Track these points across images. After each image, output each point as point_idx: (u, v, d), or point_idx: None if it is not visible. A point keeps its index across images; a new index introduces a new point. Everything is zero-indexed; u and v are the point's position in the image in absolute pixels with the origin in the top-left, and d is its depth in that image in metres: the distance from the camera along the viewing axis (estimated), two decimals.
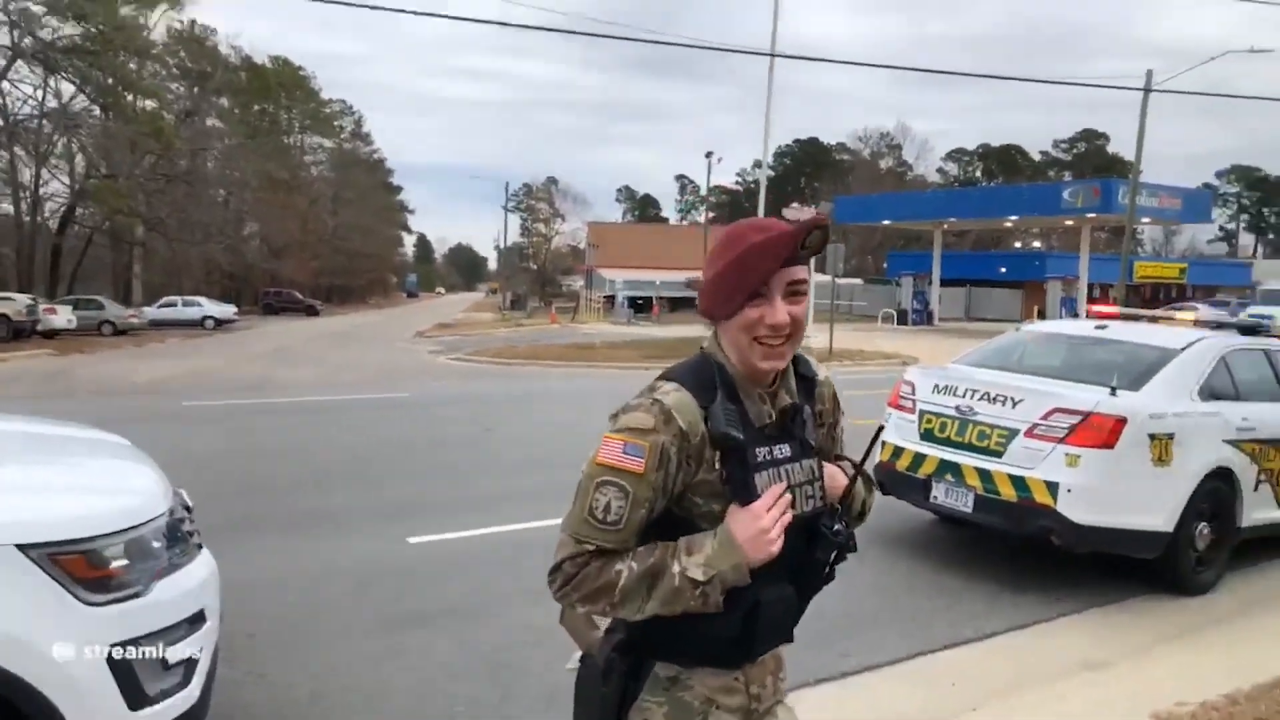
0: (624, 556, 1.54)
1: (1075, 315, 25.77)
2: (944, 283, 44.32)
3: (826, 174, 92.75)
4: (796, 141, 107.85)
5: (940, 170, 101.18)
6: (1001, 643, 5.02)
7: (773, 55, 23.32)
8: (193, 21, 47.42)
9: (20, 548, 2.61)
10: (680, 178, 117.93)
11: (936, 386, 6.29)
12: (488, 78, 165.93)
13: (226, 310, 41.30)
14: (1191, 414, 5.77)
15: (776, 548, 1.54)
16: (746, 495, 1.56)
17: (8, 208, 39.90)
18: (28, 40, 28.99)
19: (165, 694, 2.82)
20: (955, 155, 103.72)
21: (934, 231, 44.24)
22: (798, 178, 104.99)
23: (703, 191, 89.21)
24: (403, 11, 23.06)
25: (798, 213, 35.44)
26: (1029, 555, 6.18)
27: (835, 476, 1.72)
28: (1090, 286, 37.67)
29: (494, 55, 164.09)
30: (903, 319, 41.26)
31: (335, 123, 77.22)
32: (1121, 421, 5.45)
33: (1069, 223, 40.85)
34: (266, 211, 55.28)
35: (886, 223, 48.28)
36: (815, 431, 1.73)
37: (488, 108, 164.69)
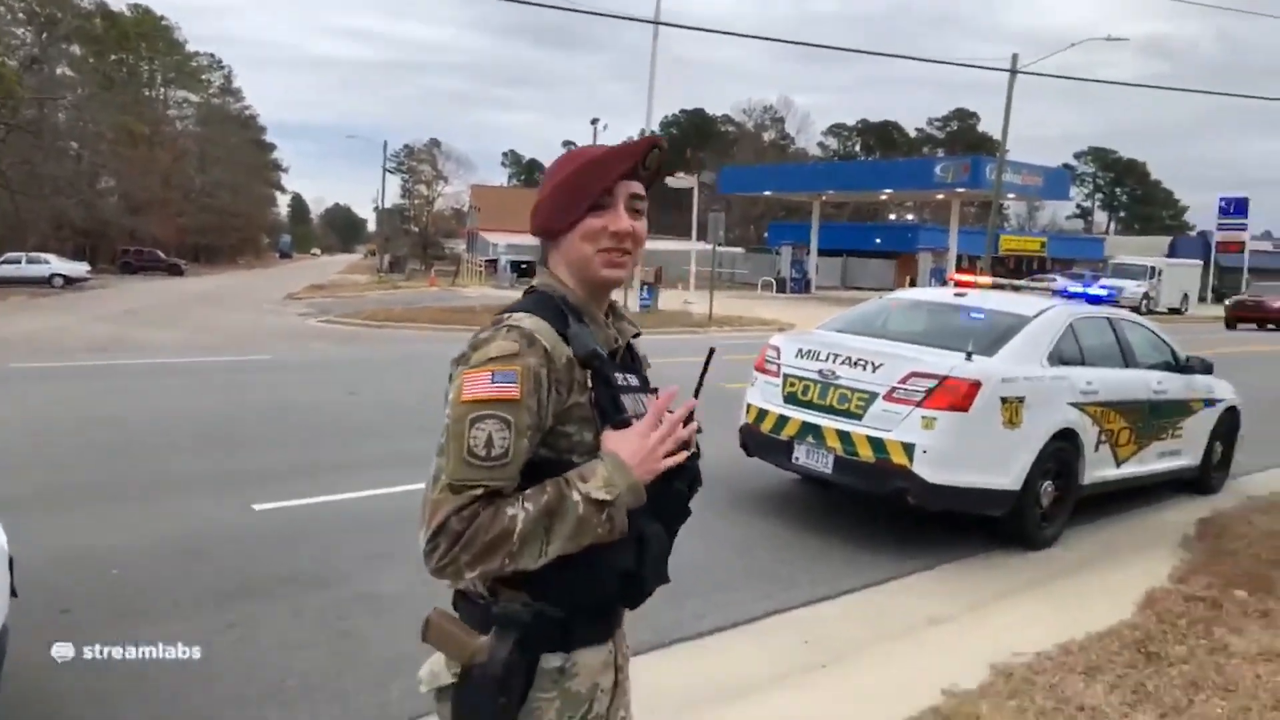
0: (514, 500, 1.39)
1: (944, 285, 26.74)
2: (822, 253, 45.37)
3: (712, 144, 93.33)
4: (683, 112, 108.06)
5: (821, 144, 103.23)
6: (855, 599, 5.09)
7: (656, 23, 23.14)
8: None
9: None
10: (567, 143, 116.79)
11: (800, 351, 6.32)
12: (367, 37, 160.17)
13: (78, 268, 38.69)
14: (1041, 378, 5.96)
15: (663, 465, 1.47)
16: (617, 414, 1.48)
17: None
18: None
19: None
20: (835, 130, 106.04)
21: (813, 203, 45.15)
22: (684, 147, 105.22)
23: None
24: None
25: (681, 181, 35.69)
26: (887, 515, 6.30)
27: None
28: (959, 258, 39.12)
29: (374, 14, 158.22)
30: (782, 287, 42.06)
31: (202, 77, 73.05)
32: (976, 385, 5.58)
33: (940, 197, 42.25)
34: (125, 166, 51.96)
35: (768, 193, 48.97)
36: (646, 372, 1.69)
37: (368, 67, 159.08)
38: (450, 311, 24.13)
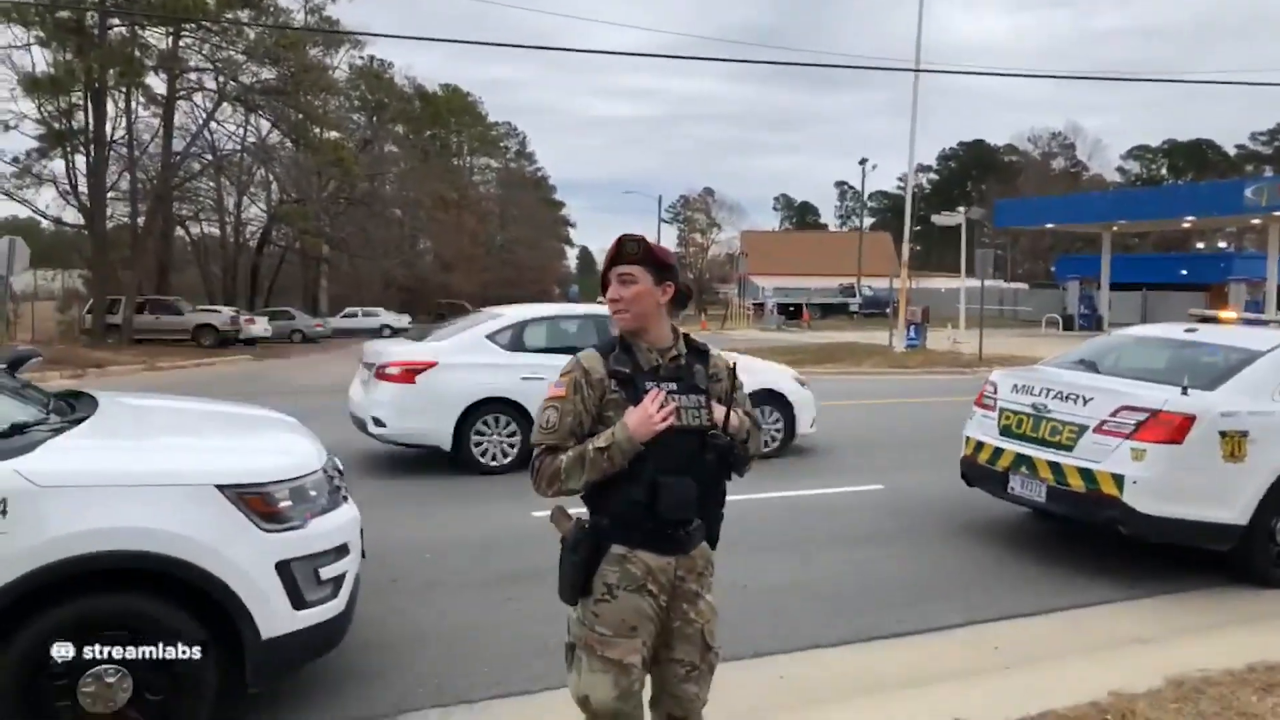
0: (563, 452, 2.50)
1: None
2: (1117, 287, 42.19)
3: (993, 176, 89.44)
4: (961, 144, 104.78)
5: (1121, 169, 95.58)
6: (1059, 617, 5.39)
7: (917, 70, 23.30)
8: (371, 57, 51.15)
9: (219, 487, 3.59)
10: (840, 184, 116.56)
11: (1016, 386, 6.66)
12: (641, 95, 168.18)
13: (402, 320, 44.54)
14: (1271, 413, 5.89)
15: (659, 426, 2.46)
16: (637, 403, 2.50)
17: (216, 231, 44.58)
18: (231, 85, 32.38)
19: (319, 601, 3.75)
20: (1137, 153, 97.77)
21: (1103, 234, 42.28)
22: (963, 180, 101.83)
23: (863, 197, 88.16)
24: (557, 49, 24.35)
25: (947, 219, 34.94)
26: (1112, 546, 6.40)
27: (718, 410, 2.59)
28: None
29: (647, 74, 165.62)
30: (1069, 325, 39.68)
31: (501, 144, 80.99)
32: (1189, 419, 5.69)
33: (1256, 221, 38.14)
34: (438, 229, 58.91)
35: (1050, 226, 46.37)
36: (706, 381, 2.63)
37: (643, 123, 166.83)
38: None
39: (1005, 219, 47.84)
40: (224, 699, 3.59)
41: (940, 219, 32.92)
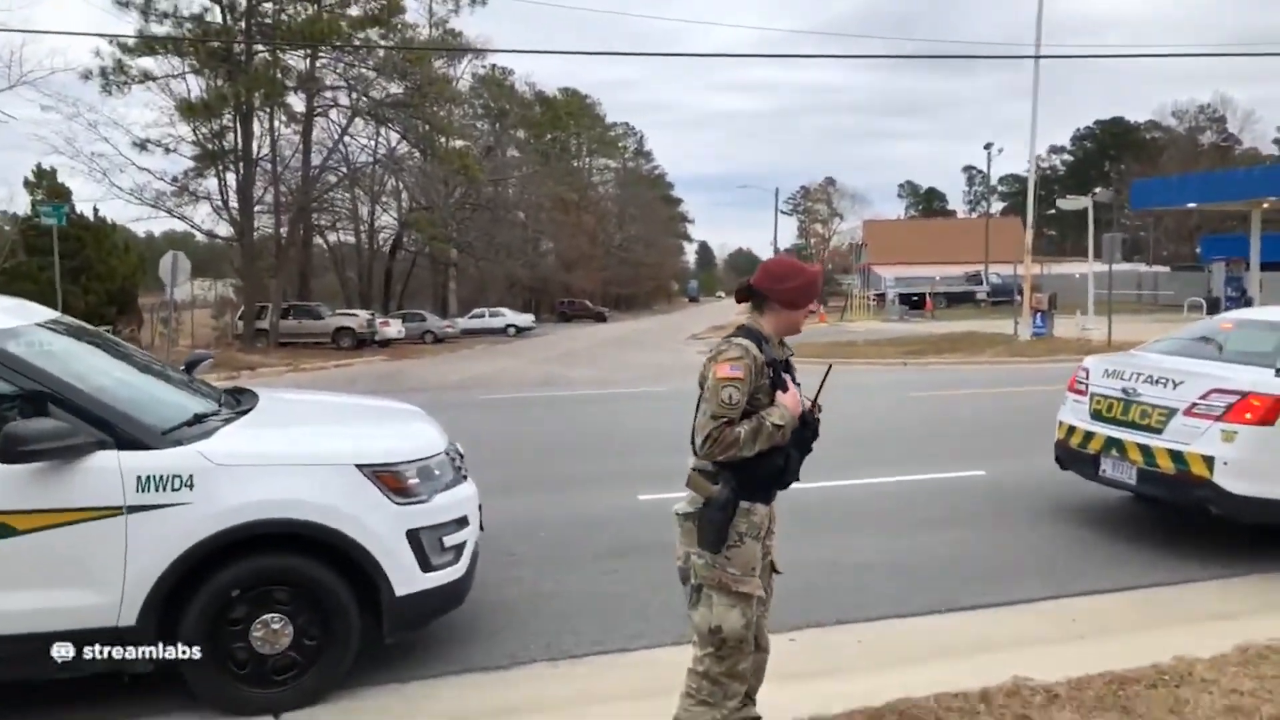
0: (737, 424, 2.99)
1: None
2: (1269, 266, 39.57)
3: (1131, 155, 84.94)
4: (1097, 122, 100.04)
5: (1278, 141, 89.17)
6: (1143, 594, 5.55)
7: (1037, 57, 22.75)
8: (493, 65, 52.88)
9: (358, 466, 4.22)
10: (968, 169, 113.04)
11: (1107, 371, 6.77)
12: (760, 88, 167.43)
13: (526, 319, 46.12)
14: None
15: (800, 410, 3.10)
16: (783, 389, 3.09)
17: (351, 239, 47.13)
18: (363, 100, 34.27)
19: (443, 565, 4.35)
20: None
21: (1252, 212, 39.80)
22: (1100, 160, 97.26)
23: (990, 182, 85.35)
24: (670, 54, 24.78)
25: (1072, 203, 33.76)
26: (1206, 528, 6.44)
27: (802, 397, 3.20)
28: None
29: (764, 67, 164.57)
30: (1214, 308, 37.48)
31: (619, 144, 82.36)
32: None
33: None
34: (559, 230, 60.56)
35: (1192, 206, 43.95)
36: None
37: (762, 116, 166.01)
38: (833, 346, 25.34)
39: (1142, 200, 45.54)
40: (364, 647, 4.22)
41: (1066, 203, 31.78)
